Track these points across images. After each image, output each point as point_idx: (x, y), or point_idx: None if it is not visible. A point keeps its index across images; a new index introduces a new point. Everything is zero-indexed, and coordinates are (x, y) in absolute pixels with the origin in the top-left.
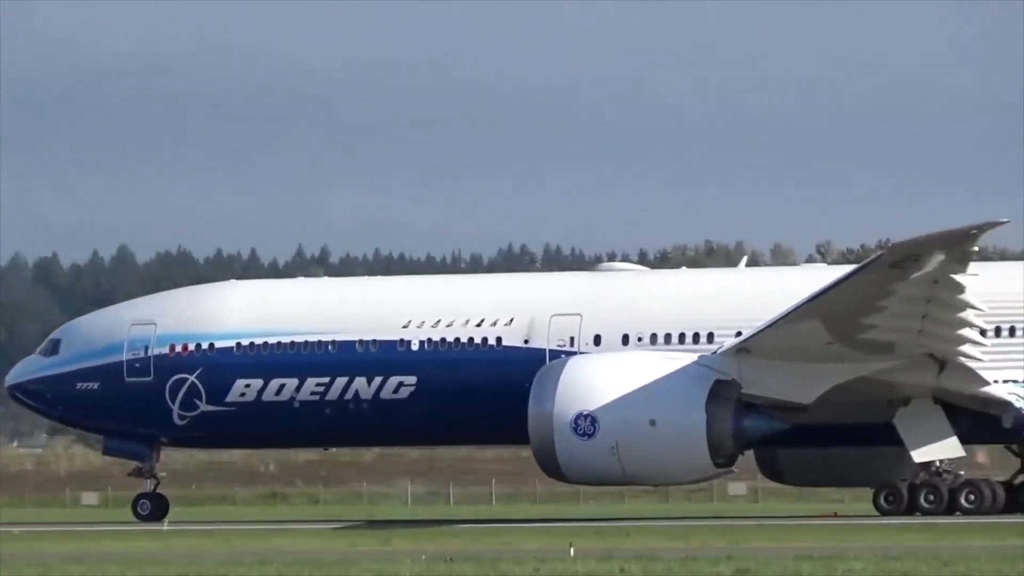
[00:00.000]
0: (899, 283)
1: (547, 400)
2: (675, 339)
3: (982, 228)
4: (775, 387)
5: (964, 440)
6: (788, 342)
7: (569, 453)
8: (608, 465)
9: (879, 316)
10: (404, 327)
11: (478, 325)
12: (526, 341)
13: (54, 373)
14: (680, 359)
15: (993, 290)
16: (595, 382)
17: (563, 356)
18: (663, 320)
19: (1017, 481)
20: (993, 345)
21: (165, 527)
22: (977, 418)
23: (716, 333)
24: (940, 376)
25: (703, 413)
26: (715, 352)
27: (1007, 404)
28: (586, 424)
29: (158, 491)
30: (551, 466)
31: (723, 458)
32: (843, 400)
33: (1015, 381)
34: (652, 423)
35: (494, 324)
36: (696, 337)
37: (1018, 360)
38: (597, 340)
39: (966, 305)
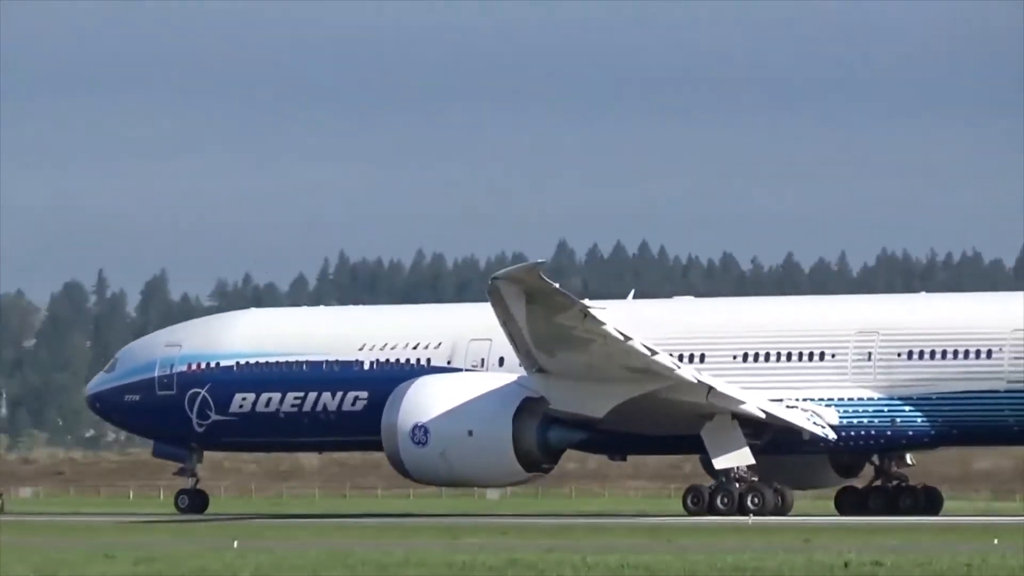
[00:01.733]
0: (551, 317)
1: (393, 413)
2: None
3: (533, 266)
4: (573, 403)
5: (770, 451)
6: (578, 365)
7: (410, 458)
8: (439, 469)
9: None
10: (359, 350)
11: (414, 348)
12: (448, 362)
13: (110, 387)
14: (505, 379)
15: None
16: (431, 398)
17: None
18: None
19: (872, 486)
20: (750, 369)
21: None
22: (780, 432)
23: None
24: (709, 395)
25: (510, 425)
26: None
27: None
28: (420, 434)
29: (198, 487)
30: (399, 468)
31: (532, 464)
32: (653, 413)
33: (812, 399)
34: (470, 433)
35: (426, 347)
36: None
37: (772, 381)
38: (501, 361)
39: (606, 335)
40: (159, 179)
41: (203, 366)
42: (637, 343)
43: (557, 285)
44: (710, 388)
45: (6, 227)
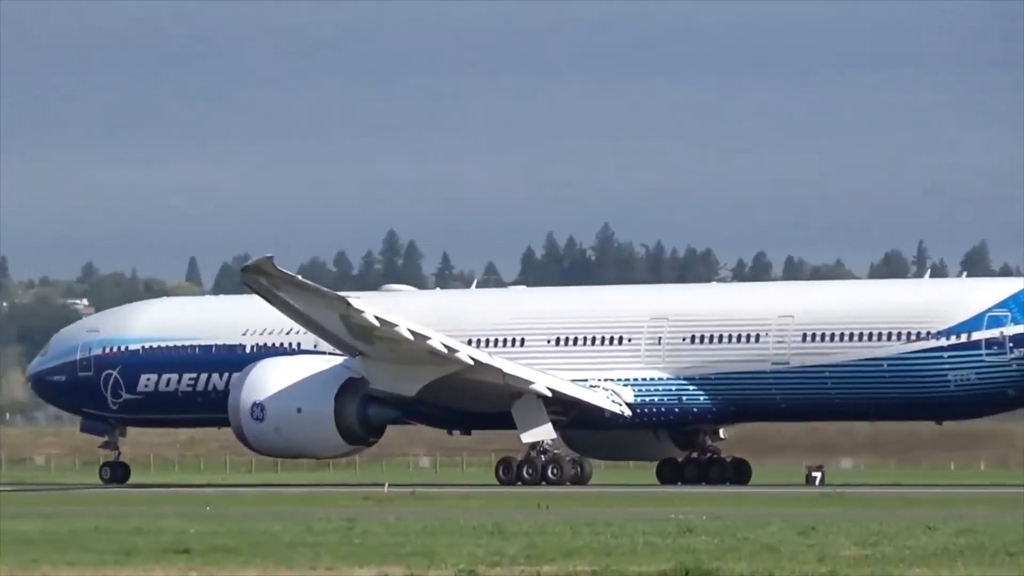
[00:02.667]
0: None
1: (237, 392)
2: None
3: (266, 260)
4: (387, 383)
5: (577, 427)
6: (387, 350)
7: (251, 432)
8: (276, 442)
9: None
10: (243, 335)
11: (287, 333)
12: (315, 345)
13: (43, 368)
14: (334, 362)
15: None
16: (268, 379)
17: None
18: None
19: (684, 458)
20: (561, 352)
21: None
22: (583, 410)
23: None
24: (505, 377)
25: (332, 403)
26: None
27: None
28: (258, 411)
29: (120, 460)
30: (243, 441)
31: (355, 438)
32: (461, 392)
33: (612, 380)
34: (299, 411)
35: (298, 332)
36: None
37: (578, 363)
38: None
39: (368, 324)
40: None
41: (115, 350)
42: (403, 328)
43: (299, 276)
44: (501, 370)
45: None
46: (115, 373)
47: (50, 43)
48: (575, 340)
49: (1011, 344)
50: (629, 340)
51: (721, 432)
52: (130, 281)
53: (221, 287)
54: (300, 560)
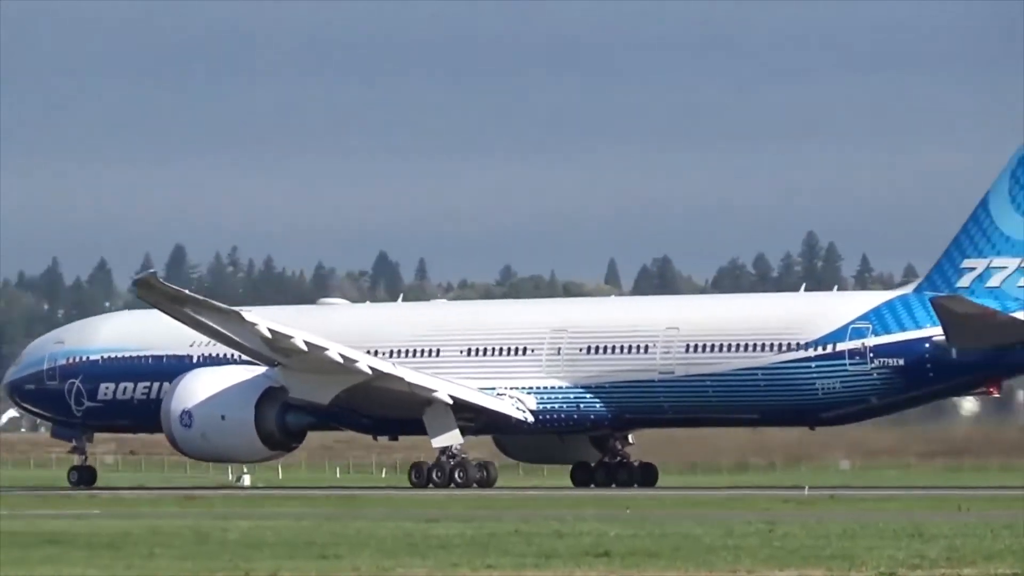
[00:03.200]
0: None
1: (168, 400)
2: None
3: (148, 275)
4: (303, 391)
5: (486, 431)
6: (300, 362)
7: (180, 438)
8: (203, 447)
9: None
10: (190, 346)
11: None
12: None
13: (16, 378)
14: (257, 372)
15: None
16: (196, 388)
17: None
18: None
19: (596, 462)
20: (473, 362)
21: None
22: (490, 416)
23: (376, 349)
24: (409, 385)
25: (252, 411)
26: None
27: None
28: (187, 418)
29: (87, 464)
30: (174, 446)
31: (275, 443)
32: (373, 400)
33: (518, 388)
34: (223, 418)
35: None
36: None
37: (493, 372)
38: None
39: (261, 336)
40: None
41: (77, 360)
42: (298, 340)
43: (187, 291)
44: (403, 378)
45: None
46: (77, 382)
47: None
48: (484, 351)
49: (871, 354)
50: (532, 351)
51: (630, 438)
52: (549, 283)
53: (640, 289)
54: (720, 563)
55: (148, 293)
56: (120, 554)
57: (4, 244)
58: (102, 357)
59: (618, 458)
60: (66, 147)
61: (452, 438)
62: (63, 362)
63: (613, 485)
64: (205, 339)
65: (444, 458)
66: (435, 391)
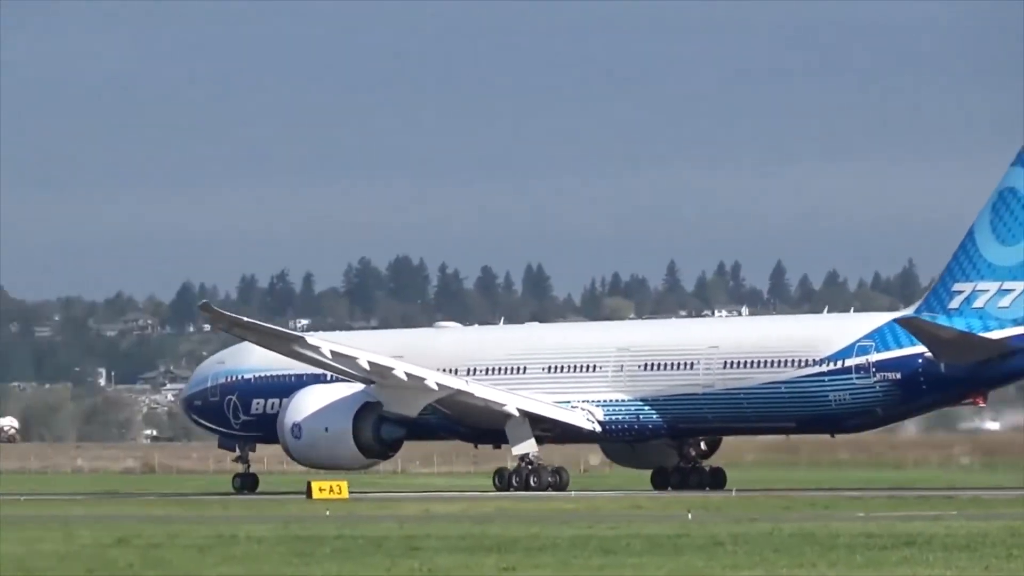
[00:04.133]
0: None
1: (282, 415)
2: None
3: (201, 307)
4: (395, 405)
5: (560, 441)
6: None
7: (292, 448)
8: (311, 456)
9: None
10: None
11: None
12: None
13: (187, 395)
14: (357, 388)
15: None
16: (305, 403)
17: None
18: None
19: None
20: (552, 378)
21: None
22: (564, 427)
23: (458, 369)
24: (482, 400)
25: (350, 423)
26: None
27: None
28: (296, 431)
29: (249, 472)
30: (289, 454)
31: (372, 453)
32: (458, 413)
33: (589, 401)
34: (326, 429)
35: None
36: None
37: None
38: None
39: (323, 358)
40: None
41: (234, 379)
42: (363, 360)
43: (244, 318)
44: (473, 393)
45: None
46: (234, 398)
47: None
48: (561, 368)
49: (874, 369)
50: (600, 368)
51: (702, 444)
52: None
53: None
54: None
55: (216, 320)
56: (975, 556)
57: None
58: (254, 376)
59: (691, 463)
60: None
61: (529, 446)
62: (223, 381)
63: (685, 488)
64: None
65: (522, 464)
66: (504, 404)
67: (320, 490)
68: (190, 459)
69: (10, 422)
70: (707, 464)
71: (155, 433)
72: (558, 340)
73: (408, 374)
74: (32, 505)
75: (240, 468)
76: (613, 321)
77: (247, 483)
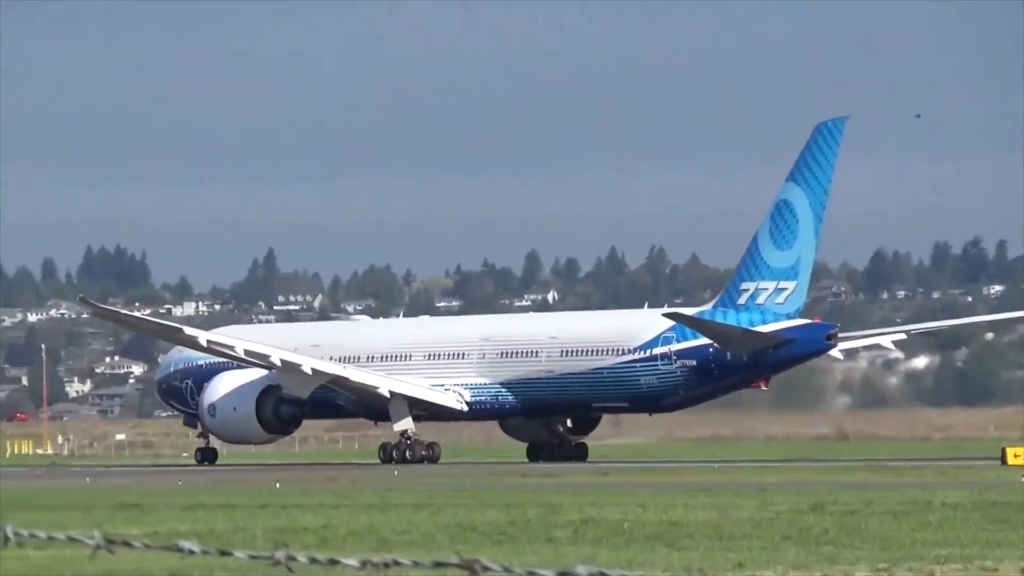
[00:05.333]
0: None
1: (202, 397)
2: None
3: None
4: (290, 388)
5: (435, 419)
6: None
7: (210, 425)
8: (226, 432)
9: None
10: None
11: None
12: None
13: (157, 378)
14: (262, 373)
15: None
16: (219, 387)
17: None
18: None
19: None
20: (433, 364)
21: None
22: (436, 407)
23: (360, 356)
24: (356, 384)
25: (253, 404)
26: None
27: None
28: (212, 410)
29: (210, 446)
30: (208, 431)
31: (274, 429)
32: (344, 395)
33: (460, 384)
34: (235, 409)
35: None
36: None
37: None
38: None
39: (200, 347)
40: None
41: (190, 365)
42: (239, 350)
43: (123, 311)
44: (348, 378)
45: None
46: (190, 382)
47: None
48: (438, 355)
49: (675, 357)
50: (466, 355)
51: (568, 422)
52: None
53: None
54: None
55: (96, 314)
56: None
57: None
58: (205, 363)
59: (558, 439)
60: None
61: (407, 424)
62: (182, 367)
63: (552, 461)
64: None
65: (402, 440)
66: (378, 387)
67: (1015, 456)
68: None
69: None
70: (573, 440)
71: (849, 400)
72: (437, 331)
73: (283, 360)
74: (725, 472)
75: (201, 443)
76: (480, 315)
77: (207, 456)
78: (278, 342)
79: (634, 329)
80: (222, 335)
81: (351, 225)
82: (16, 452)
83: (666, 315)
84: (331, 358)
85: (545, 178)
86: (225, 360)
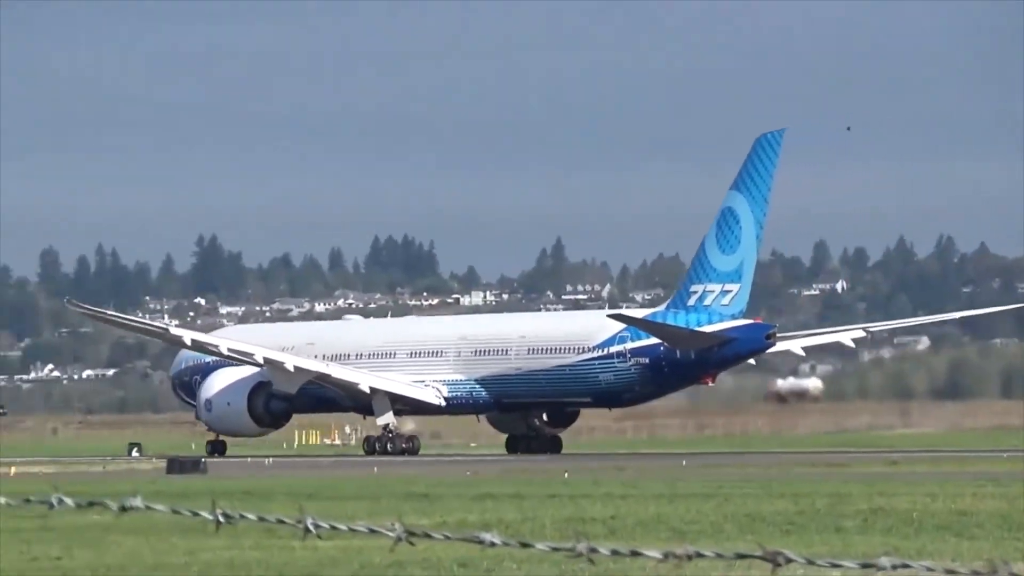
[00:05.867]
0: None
1: (199, 392)
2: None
3: (66, 303)
4: (280, 384)
5: (415, 413)
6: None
7: (206, 419)
8: (220, 426)
9: None
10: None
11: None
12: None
13: (171, 374)
14: (254, 371)
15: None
16: (215, 383)
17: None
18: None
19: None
20: (415, 361)
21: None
22: (415, 402)
23: (351, 354)
24: (336, 380)
25: (245, 400)
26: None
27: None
28: (208, 405)
29: (220, 439)
30: (205, 425)
31: (265, 423)
32: (330, 390)
33: (439, 380)
34: (228, 404)
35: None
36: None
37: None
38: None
39: (184, 344)
40: None
41: (199, 362)
42: (222, 347)
43: (108, 312)
44: (330, 375)
45: None
46: (198, 378)
47: None
48: (420, 353)
49: (629, 355)
50: (443, 353)
51: (544, 416)
52: None
53: None
54: None
55: (86, 315)
56: None
57: None
58: (212, 360)
59: (534, 432)
60: None
61: (388, 418)
62: (192, 363)
63: (528, 453)
64: (266, 346)
65: (384, 433)
66: (358, 383)
67: None
68: None
69: None
70: (549, 432)
71: None
72: (419, 330)
73: (266, 359)
74: (1014, 462)
75: (210, 436)
76: (457, 316)
77: (218, 448)
78: (276, 341)
79: (593, 329)
80: (209, 336)
81: (640, 214)
82: (304, 442)
83: (611, 316)
84: (324, 356)
85: (830, 165)
86: (231, 359)
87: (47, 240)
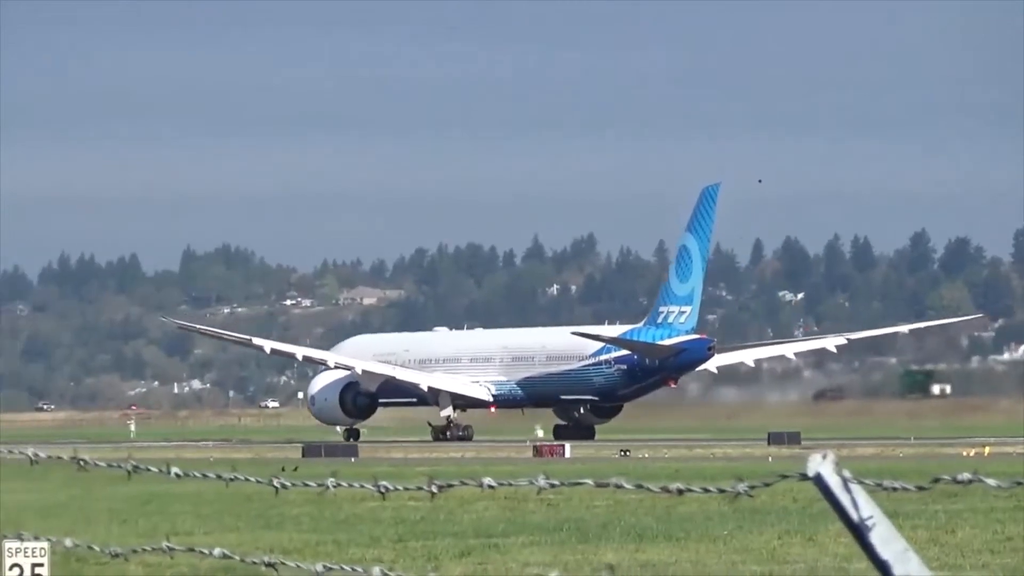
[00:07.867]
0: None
1: (307, 390)
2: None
3: (164, 322)
4: (364, 384)
5: (471, 407)
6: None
7: (313, 411)
8: (322, 417)
9: None
10: (371, 358)
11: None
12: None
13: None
14: (347, 373)
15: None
16: (318, 383)
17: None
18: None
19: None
20: (474, 366)
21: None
22: (470, 398)
23: (433, 359)
24: (399, 380)
25: (337, 396)
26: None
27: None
28: (312, 400)
29: (353, 427)
30: (314, 417)
31: (354, 416)
32: (403, 389)
33: (490, 380)
34: (326, 399)
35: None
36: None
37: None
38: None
39: (265, 353)
40: None
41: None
42: (298, 355)
43: (200, 327)
44: (394, 376)
45: None
46: None
47: None
48: (476, 359)
49: (613, 362)
50: (490, 359)
51: (581, 409)
52: None
53: None
54: None
55: (186, 331)
56: None
57: None
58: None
59: (573, 422)
60: None
61: (449, 411)
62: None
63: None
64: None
65: (448, 423)
66: (419, 384)
67: None
68: None
69: None
70: (587, 423)
71: None
72: (476, 342)
73: (336, 364)
74: None
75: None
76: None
77: (353, 434)
78: (381, 350)
79: (591, 341)
80: (285, 346)
81: None
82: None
83: (574, 333)
84: (416, 360)
85: None
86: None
87: None
